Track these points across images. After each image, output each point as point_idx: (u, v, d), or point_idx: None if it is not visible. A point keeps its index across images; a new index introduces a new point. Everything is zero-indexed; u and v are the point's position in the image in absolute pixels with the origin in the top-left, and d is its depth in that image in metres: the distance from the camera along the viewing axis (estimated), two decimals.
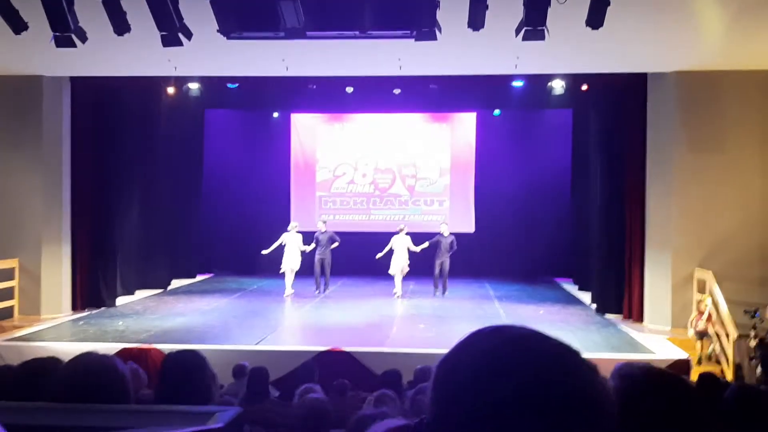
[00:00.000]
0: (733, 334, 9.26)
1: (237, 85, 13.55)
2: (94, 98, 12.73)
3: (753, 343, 8.72)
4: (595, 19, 7.25)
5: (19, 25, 7.59)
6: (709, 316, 9.73)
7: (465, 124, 17.67)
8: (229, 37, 7.77)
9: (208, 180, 17.28)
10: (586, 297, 14.06)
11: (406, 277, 14.50)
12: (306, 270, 14.60)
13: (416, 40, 7.72)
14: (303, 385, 5.55)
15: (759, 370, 8.53)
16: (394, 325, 11.62)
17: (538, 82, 13.11)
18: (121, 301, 13.32)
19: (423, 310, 12.82)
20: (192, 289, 15.33)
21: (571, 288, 15.77)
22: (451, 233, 14.50)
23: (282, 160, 17.93)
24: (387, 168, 17.79)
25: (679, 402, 1.85)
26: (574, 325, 11.42)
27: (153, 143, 14.91)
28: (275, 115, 17.81)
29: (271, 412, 5.41)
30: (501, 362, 0.94)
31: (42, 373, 2.71)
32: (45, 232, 12.14)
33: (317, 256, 14.45)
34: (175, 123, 15.51)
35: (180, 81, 13.19)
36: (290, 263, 14.32)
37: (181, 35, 7.72)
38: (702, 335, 9.73)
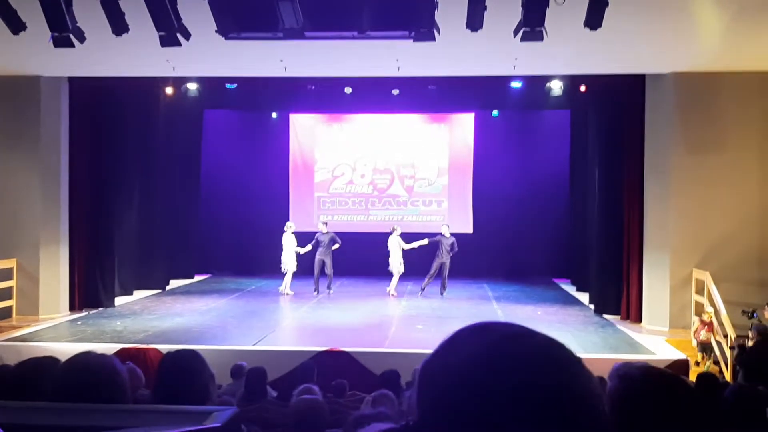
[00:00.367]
0: (732, 335, 9.27)
1: (235, 85, 13.56)
2: (93, 99, 12.71)
3: (751, 343, 8.71)
4: (594, 20, 7.25)
5: (17, 25, 7.58)
6: (711, 325, 9.54)
7: (463, 124, 17.68)
8: (227, 38, 7.77)
9: (206, 180, 17.28)
10: (584, 298, 14.06)
11: (405, 277, 14.51)
12: (307, 270, 14.60)
13: (415, 40, 7.72)
14: (301, 385, 5.54)
15: (740, 375, 8.52)
16: (393, 325, 11.62)
17: (537, 83, 13.13)
18: (119, 301, 13.31)
19: (421, 311, 12.82)
20: (190, 290, 15.32)
21: (570, 289, 15.77)
22: (451, 234, 14.52)
23: (280, 161, 17.92)
24: (385, 168, 17.80)
25: (677, 402, 1.85)
26: (572, 325, 11.42)
27: (151, 144, 14.90)
28: (274, 115, 17.80)
29: (268, 412, 5.41)
30: (485, 361, 0.93)
31: (39, 373, 2.71)
32: (43, 232, 12.13)
33: (318, 257, 14.45)
34: (173, 123, 15.50)
35: (178, 81, 13.19)
36: (287, 263, 14.40)
37: (179, 35, 7.72)
38: (705, 347, 9.54)
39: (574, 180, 16.08)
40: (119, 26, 7.53)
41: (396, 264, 14.36)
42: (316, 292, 14.41)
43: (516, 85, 13.39)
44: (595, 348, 9.78)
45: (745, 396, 3.63)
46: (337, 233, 14.82)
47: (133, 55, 10.06)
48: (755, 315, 9.00)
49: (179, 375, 2.75)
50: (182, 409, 1.86)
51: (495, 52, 9.98)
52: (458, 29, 7.62)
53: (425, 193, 17.74)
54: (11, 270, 11.96)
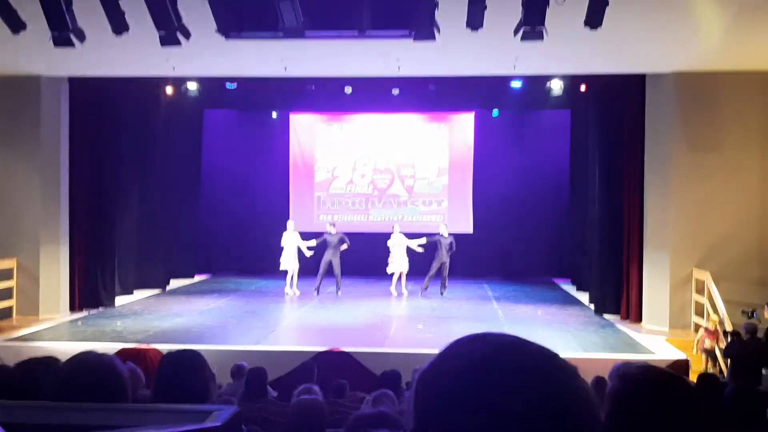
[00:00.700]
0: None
1: (236, 85, 13.55)
2: (93, 98, 12.71)
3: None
4: (594, 20, 7.25)
5: (17, 25, 7.58)
6: (716, 333, 9.43)
7: (463, 124, 17.67)
8: (227, 37, 7.77)
9: (206, 180, 17.28)
10: (584, 297, 14.06)
11: (406, 277, 14.52)
12: (309, 270, 14.61)
13: (415, 40, 7.72)
14: (302, 385, 5.54)
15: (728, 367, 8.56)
16: (393, 325, 11.62)
17: (537, 83, 13.12)
18: (119, 301, 13.31)
19: (422, 311, 12.82)
20: (190, 290, 15.32)
21: (570, 288, 15.77)
22: (450, 234, 14.52)
23: (280, 161, 17.92)
24: (386, 168, 17.79)
25: (677, 401, 1.85)
26: (572, 325, 11.41)
27: (151, 143, 14.90)
28: (274, 115, 17.79)
29: (268, 412, 5.42)
30: (479, 371, 0.94)
31: (39, 373, 2.71)
32: (43, 232, 12.13)
33: (326, 258, 14.45)
34: (173, 123, 15.50)
35: (178, 81, 13.19)
36: (288, 263, 14.43)
37: (179, 35, 7.72)
38: (709, 355, 9.41)
39: (575, 180, 16.07)
40: (119, 26, 7.53)
41: (399, 262, 14.36)
42: (316, 292, 14.40)
43: (516, 84, 13.38)
44: (595, 348, 9.78)
45: (745, 396, 3.63)
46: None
47: (133, 55, 10.06)
48: (755, 314, 9.00)
49: (180, 375, 2.75)
50: (182, 408, 1.86)
51: (495, 52, 9.98)
52: (458, 29, 7.62)
53: (425, 193, 17.73)
54: (11, 270, 11.96)
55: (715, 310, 10.07)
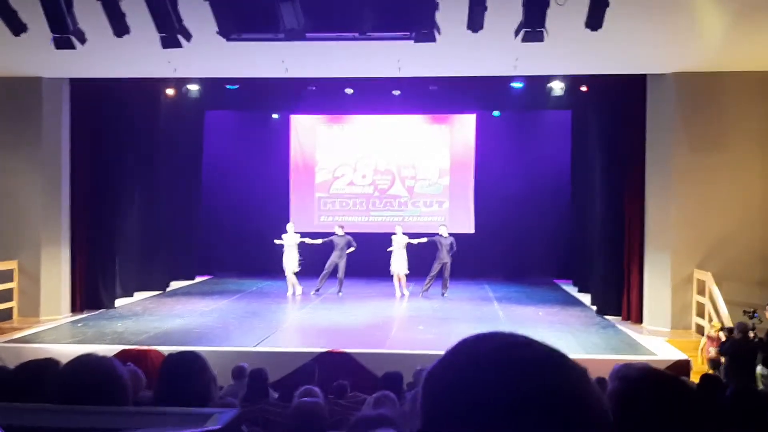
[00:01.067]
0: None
1: (237, 86, 13.58)
2: (94, 100, 12.72)
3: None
4: (595, 21, 7.25)
5: (18, 27, 7.58)
6: (719, 340, 9.24)
7: (464, 125, 17.68)
8: (228, 39, 7.77)
9: (207, 181, 17.29)
10: (585, 298, 14.06)
11: (407, 278, 14.53)
12: (311, 271, 14.63)
13: (415, 41, 7.72)
14: (303, 386, 5.54)
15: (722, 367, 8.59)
16: (394, 326, 11.63)
17: (538, 84, 13.12)
18: (120, 302, 13.31)
19: (422, 312, 12.82)
20: (191, 291, 15.33)
21: (571, 289, 15.76)
22: (450, 234, 14.52)
23: (281, 162, 17.94)
24: (386, 169, 17.80)
25: (677, 403, 1.85)
26: (573, 326, 11.40)
27: (153, 145, 14.90)
28: (275, 116, 17.81)
29: (269, 413, 5.42)
30: (488, 370, 0.94)
31: (40, 375, 2.71)
32: (44, 233, 12.13)
33: (332, 259, 14.48)
34: (174, 124, 15.51)
35: (180, 82, 13.21)
36: (289, 264, 14.46)
37: (180, 37, 7.72)
38: (715, 363, 9.14)
39: (576, 180, 16.08)
40: (120, 27, 7.53)
41: (397, 263, 14.37)
42: (316, 291, 14.42)
43: (517, 85, 13.38)
44: (597, 349, 9.77)
45: (745, 397, 3.63)
46: (336, 234, 14.83)
47: (135, 57, 10.07)
48: (756, 315, 8.99)
49: (181, 376, 2.76)
50: (183, 411, 1.86)
51: (496, 53, 9.98)
52: (459, 30, 7.62)
53: (426, 194, 17.74)
54: (12, 271, 11.96)
55: (717, 312, 10.06)
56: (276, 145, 17.97)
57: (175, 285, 15.74)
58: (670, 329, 11.20)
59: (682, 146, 11.30)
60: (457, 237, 14.82)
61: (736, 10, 8.29)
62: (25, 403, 2.12)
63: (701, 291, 10.91)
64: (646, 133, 11.78)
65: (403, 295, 14.41)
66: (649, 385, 1.88)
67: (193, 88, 13.56)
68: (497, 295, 14.79)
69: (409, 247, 14.57)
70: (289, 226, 14.90)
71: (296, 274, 14.53)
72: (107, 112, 13.10)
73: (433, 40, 7.67)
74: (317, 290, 14.49)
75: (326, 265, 14.50)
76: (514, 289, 15.64)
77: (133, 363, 6.14)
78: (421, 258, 14.58)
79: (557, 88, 12.90)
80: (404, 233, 14.77)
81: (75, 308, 12.51)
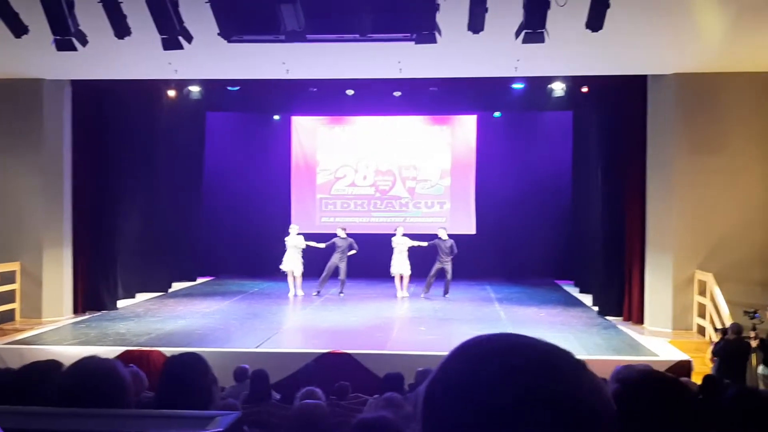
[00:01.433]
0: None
1: (238, 87, 13.57)
2: (95, 101, 12.73)
3: (754, 343, 8.71)
4: (595, 22, 7.26)
5: (19, 29, 7.60)
6: None
7: (465, 126, 17.69)
8: (229, 41, 7.78)
9: (208, 182, 17.29)
10: (587, 299, 14.05)
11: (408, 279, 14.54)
12: (313, 272, 14.65)
13: (416, 43, 7.73)
14: (304, 387, 5.55)
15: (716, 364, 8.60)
16: (395, 327, 11.63)
17: (539, 85, 13.12)
18: (121, 304, 13.32)
19: (424, 312, 12.82)
20: (193, 292, 15.34)
21: (572, 290, 15.76)
22: (449, 237, 14.50)
23: (282, 163, 17.95)
24: (387, 170, 17.80)
25: (677, 404, 1.86)
26: (575, 327, 11.40)
27: (154, 146, 14.91)
28: (276, 117, 17.83)
29: (270, 415, 5.42)
30: (489, 373, 0.92)
31: (42, 377, 2.72)
32: (46, 235, 12.14)
33: (332, 261, 14.51)
34: (175, 126, 15.51)
35: (181, 84, 13.22)
36: (290, 265, 14.47)
37: (181, 38, 7.74)
38: None
39: (577, 181, 16.07)
40: (121, 29, 7.55)
41: (399, 264, 14.37)
42: (317, 293, 14.44)
43: (518, 86, 13.38)
44: (598, 350, 9.77)
45: (746, 398, 3.63)
46: (338, 236, 14.84)
47: (136, 58, 10.08)
48: (757, 315, 8.99)
49: (183, 378, 2.76)
50: (185, 414, 1.87)
51: (496, 54, 9.98)
52: (460, 31, 7.63)
53: (427, 195, 17.75)
54: (14, 273, 11.97)
55: (718, 313, 10.06)
56: (277, 147, 17.99)
57: (176, 286, 15.75)
58: (672, 330, 11.19)
59: (683, 147, 11.30)
60: (459, 238, 14.81)
61: (736, 11, 8.29)
62: (27, 407, 2.13)
63: (702, 292, 10.91)
64: (647, 133, 11.78)
65: (403, 296, 14.40)
66: (649, 387, 1.88)
67: (194, 89, 13.57)
68: (498, 295, 14.79)
69: (410, 249, 14.58)
70: (292, 228, 14.91)
71: (296, 274, 14.55)
72: (108, 114, 13.11)
73: (434, 41, 7.68)
74: (318, 292, 14.50)
75: (326, 267, 14.51)
76: (515, 289, 15.64)
77: (135, 364, 6.16)
78: (422, 259, 14.58)
79: (558, 89, 12.90)
80: (405, 234, 14.77)
81: (77, 310, 12.52)
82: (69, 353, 7.74)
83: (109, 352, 8.60)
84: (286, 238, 14.75)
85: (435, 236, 14.62)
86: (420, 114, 17.23)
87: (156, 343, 9.80)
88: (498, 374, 0.92)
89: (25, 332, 10.89)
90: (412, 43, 7.78)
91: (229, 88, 13.61)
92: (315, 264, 14.76)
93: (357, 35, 7.64)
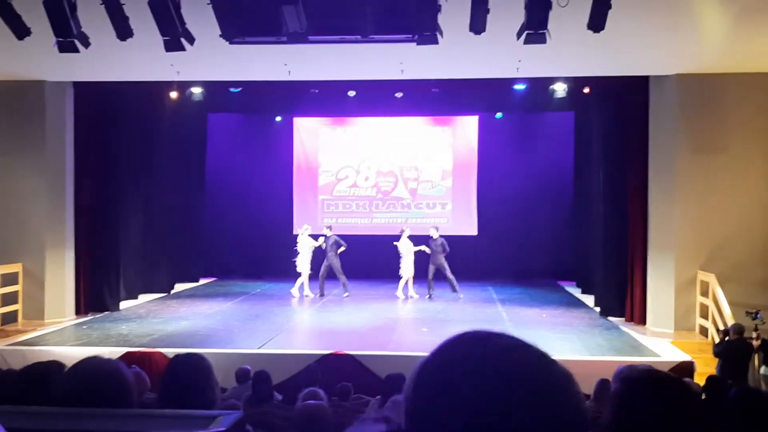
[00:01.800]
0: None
1: (240, 89, 13.59)
2: (97, 103, 12.75)
3: (756, 344, 8.72)
4: (597, 23, 7.26)
5: (22, 31, 7.61)
6: None
7: (467, 127, 17.69)
8: (231, 42, 7.79)
9: (210, 184, 17.31)
10: (589, 300, 14.04)
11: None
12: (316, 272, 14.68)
13: (418, 44, 7.73)
14: (306, 388, 5.55)
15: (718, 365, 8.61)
16: (397, 328, 11.63)
17: (540, 85, 13.12)
18: (124, 305, 13.33)
19: (426, 313, 12.82)
20: (195, 293, 15.35)
21: (575, 291, 15.74)
22: (440, 236, 14.46)
23: (284, 164, 17.97)
24: (389, 171, 17.81)
25: (679, 404, 1.86)
26: (577, 327, 11.39)
27: (156, 147, 14.93)
28: (278, 118, 17.85)
29: (273, 416, 5.43)
30: (474, 374, 0.95)
31: (44, 378, 2.72)
32: (48, 236, 12.16)
33: (325, 262, 14.52)
34: (178, 127, 15.53)
35: (183, 85, 13.23)
36: (302, 266, 14.52)
37: (183, 40, 7.74)
38: None
39: (579, 182, 16.07)
40: (123, 31, 7.56)
41: (406, 267, 14.36)
42: (320, 294, 14.47)
43: (519, 87, 13.37)
44: (600, 350, 9.77)
45: (748, 398, 3.63)
46: (340, 236, 14.85)
47: (138, 60, 10.09)
48: (759, 316, 8.99)
49: (185, 379, 2.77)
50: (187, 414, 1.87)
51: (498, 55, 9.99)
52: (461, 32, 7.63)
53: (429, 196, 17.75)
54: (17, 274, 11.99)
55: (720, 314, 10.05)
56: (279, 148, 18.00)
57: (179, 287, 15.76)
58: (674, 330, 11.18)
59: (685, 148, 11.30)
60: (460, 239, 14.83)
61: (737, 12, 8.29)
62: (30, 407, 2.13)
63: (705, 292, 10.90)
64: (649, 134, 11.77)
65: (407, 298, 14.38)
66: (651, 387, 1.89)
67: (197, 91, 13.59)
68: (501, 296, 14.78)
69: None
70: (303, 229, 14.92)
71: (305, 277, 14.58)
72: (111, 116, 13.11)
73: (436, 42, 7.68)
74: (321, 294, 14.51)
75: (321, 270, 14.52)
76: (517, 290, 15.63)
77: (137, 365, 6.17)
78: (424, 261, 14.55)
79: (560, 89, 12.90)
80: (409, 236, 14.72)
81: (79, 311, 12.53)
82: (71, 354, 7.75)
83: (111, 353, 8.60)
84: (299, 237, 14.77)
85: (428, 238, 14.60)
86: (422, 115, 17.24)
87: (158, 345, 9.81)
88: (484, 374, 0.96)
89: (27, 333, 10.90)
90: (414, 44, 7.78)
91: (231, 89, 13.63)
92: (316, 264, 14.76)
93: (359, 36, 7.65)
